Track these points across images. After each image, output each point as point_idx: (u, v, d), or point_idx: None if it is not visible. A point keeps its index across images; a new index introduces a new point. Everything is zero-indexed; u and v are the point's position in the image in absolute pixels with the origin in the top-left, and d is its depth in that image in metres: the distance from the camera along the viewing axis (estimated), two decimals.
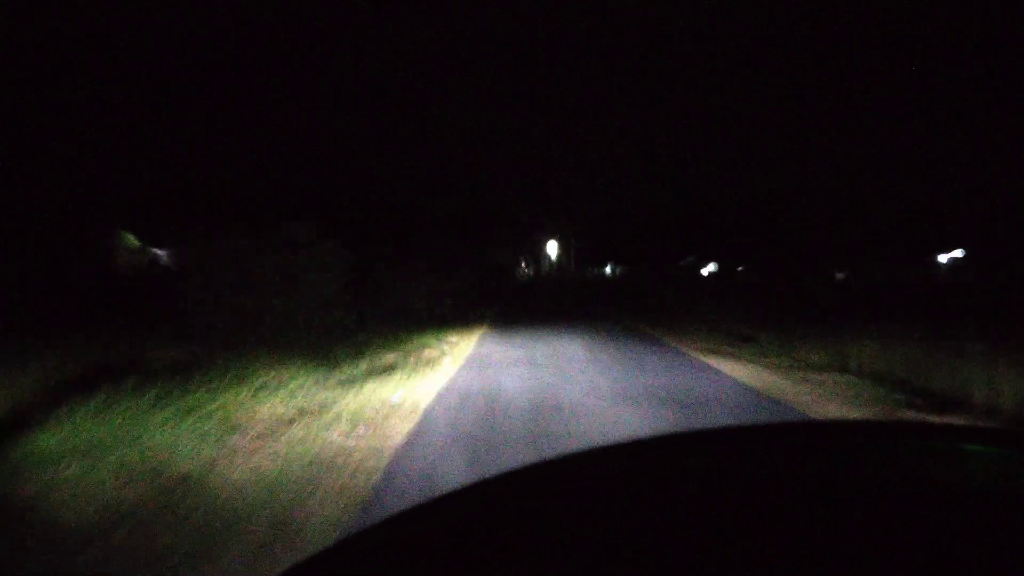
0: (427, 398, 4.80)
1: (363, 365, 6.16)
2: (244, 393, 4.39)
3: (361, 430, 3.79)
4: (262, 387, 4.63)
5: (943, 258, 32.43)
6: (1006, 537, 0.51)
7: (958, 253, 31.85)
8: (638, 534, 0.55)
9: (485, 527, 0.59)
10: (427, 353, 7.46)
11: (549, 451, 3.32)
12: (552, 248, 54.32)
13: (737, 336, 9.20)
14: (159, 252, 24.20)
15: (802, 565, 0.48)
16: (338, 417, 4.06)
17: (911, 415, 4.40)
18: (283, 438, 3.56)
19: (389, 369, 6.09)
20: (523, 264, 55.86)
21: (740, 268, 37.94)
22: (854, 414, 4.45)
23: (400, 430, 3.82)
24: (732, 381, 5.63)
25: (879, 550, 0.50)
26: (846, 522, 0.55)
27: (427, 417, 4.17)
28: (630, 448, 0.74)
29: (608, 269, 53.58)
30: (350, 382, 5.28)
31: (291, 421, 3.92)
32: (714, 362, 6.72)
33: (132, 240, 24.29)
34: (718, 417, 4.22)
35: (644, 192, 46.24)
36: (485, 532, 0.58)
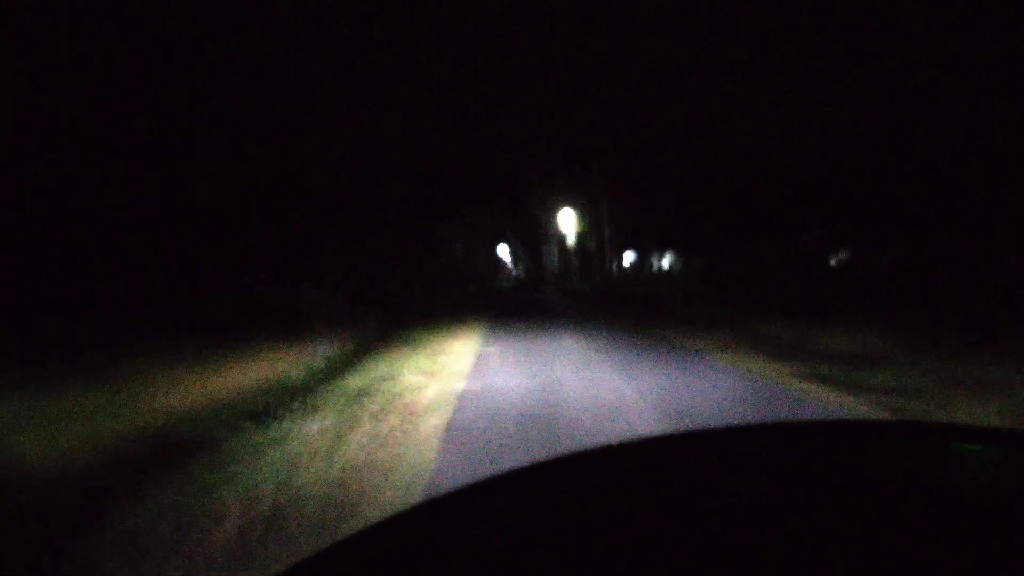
0: None
1: None
2: None
3: None
4: None
5: None
6: (1006, 537, 0.50)
7: None
8: (637, 533, 0.55)
9: (484, 527, 0.59)
10: None
11: None
12: (568, 222, 29.65)
13: None
14: None
15: (802, 564, 0.48)
16: None
17: None
18: None
19: None
20: (509, 259, 35.39)
21: (892, 255, 23.49)
22: None
23: None
24: None
25: (879, 549, 0.49)
26: (846, 521, 0.55)
27: None
28: (629, 448, 0.72)
29: (665, 261, 31.06)
30: None
31: None
32: None
33: None
34: None
35: (731, 129, 22.01)
36: (484, 532, 0.58)
